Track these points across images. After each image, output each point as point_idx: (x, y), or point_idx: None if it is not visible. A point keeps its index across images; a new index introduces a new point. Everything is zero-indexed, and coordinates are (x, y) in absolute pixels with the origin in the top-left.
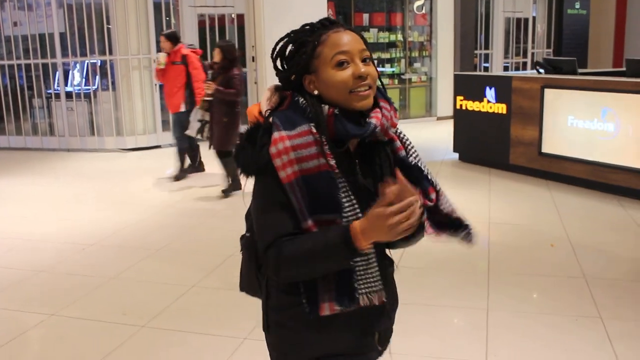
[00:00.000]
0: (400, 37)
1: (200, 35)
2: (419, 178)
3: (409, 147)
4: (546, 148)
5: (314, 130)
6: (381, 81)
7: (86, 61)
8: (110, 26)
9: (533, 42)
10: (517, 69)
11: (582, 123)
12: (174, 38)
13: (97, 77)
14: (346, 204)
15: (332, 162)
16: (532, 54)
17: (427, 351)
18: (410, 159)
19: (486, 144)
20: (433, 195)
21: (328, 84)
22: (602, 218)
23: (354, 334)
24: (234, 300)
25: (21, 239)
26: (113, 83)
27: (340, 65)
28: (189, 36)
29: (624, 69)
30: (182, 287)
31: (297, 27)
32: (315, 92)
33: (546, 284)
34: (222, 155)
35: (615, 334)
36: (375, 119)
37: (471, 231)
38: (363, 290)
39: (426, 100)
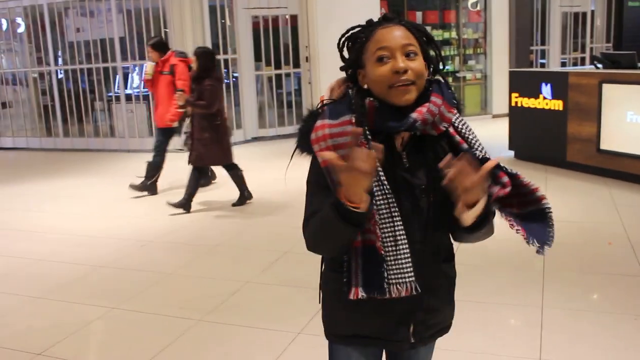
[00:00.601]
0: (454, 34)
1: (255, 37)
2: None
3: (473, 141)
4: (605, 145)
5: (354, 121)
6: (442, 75)
7: (145, 64)
8: (167, 30)
9: (592, 36)
10: (575, 64)
11: None
12: (162, 46)
13: None
14: (377, 194)
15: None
16: (591, 49)
17: (479, 348)
18: (477, 153)
19: (542, 141)
20: (505, 179)
21: (371, 79)
22: None
23: (385, 321)
24: (289, 296)
25: (85, 235)
26: None
27: (381, 60)
28: (243, 38)
29: None
30: (237, 282)
31: (349, 26)
32: (365, 86)
33: (603, 282)
34: (229, 168)
35: None
36: (417, 113)
37: (548, 231)
38: (392, 280)
39: (481, 98)
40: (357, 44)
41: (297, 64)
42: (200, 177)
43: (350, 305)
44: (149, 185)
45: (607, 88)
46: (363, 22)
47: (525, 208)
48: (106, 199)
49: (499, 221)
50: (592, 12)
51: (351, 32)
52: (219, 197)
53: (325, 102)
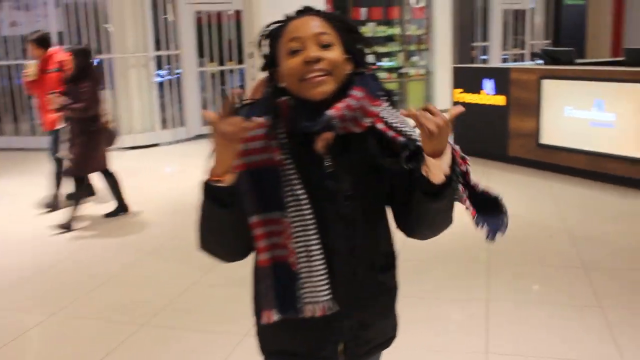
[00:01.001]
0: (398, 30)
1: (198, 33)
2: (417, 170)
3: (410, 133)
4: (544, 139)
5: (267, 123)
6: (367, 67)
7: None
8: (107, 25)
9: (531, 33)
10: (515, 60)
11: (579, 113)
12: (45, 42)
13: None
14: (290, 202)
15: (278, 157)
16: (531, 45)
17: (428, 344)
18: (419, 143)
19: (485, 136)
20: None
21: (284, 74)
22: (600, 208)
23: (309, 338)
24: (235, 297)
25: (20, 238)
26: (111, 81)
27: (293, 53)
28: (187, 34)
29: (622, 58)
30: (183, 284)
31: None
32: (283, 84)
33: (546, 274)
34: (106, 174)
35: (615, 323)
36: (334, 109)
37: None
38: (306, 300)
39: (425, 94)
40: (272, 41)
41: (241, 60)
42: (80, 189)
43: (276, 321)
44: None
45: (546, 84)
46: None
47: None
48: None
49: None
50: (532, 9)
51: (267, 28)
52: (157, 197)
53: (244, 103)
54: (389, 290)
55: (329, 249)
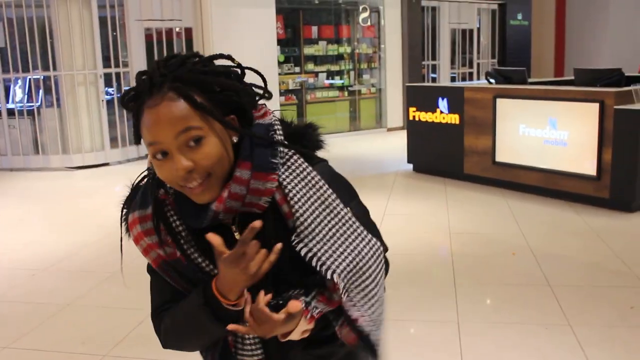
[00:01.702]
0: (348, 49)
1: (148, 50)
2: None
3: (297, 216)
4: (500, 157)
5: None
6: (249, 130)
7: (28, 77)
8: (53, 40)
9: (478, 52)
10: (463, 79)
11: (533, 131)
12: None
13: (41, 94)
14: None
15: (177, 252)
16: (478, 64)
17: None
18: (293, 238)
19: (440, 154)
20: (330, 282)
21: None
22: (558, 224)
23: None
24: None
25: None
26: (58, 99)
27: (156, 158)
28: (136, 51)
29: (571, 77)
30: (144, 311)
31: (245, 40)
32: None
33: (512, 292)
34: None
35: (585, 340)
36: (217, 202)
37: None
38: None
39: (376, 112)
40: (134, 118)
41: None
42: None
43: None
44: None
45: (500, 102)
46: (260, 38)
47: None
48: None
49: (402, 238)
50: (478, 29)
51: (124, 100)
52: (110, 220)
53: (141, 176)
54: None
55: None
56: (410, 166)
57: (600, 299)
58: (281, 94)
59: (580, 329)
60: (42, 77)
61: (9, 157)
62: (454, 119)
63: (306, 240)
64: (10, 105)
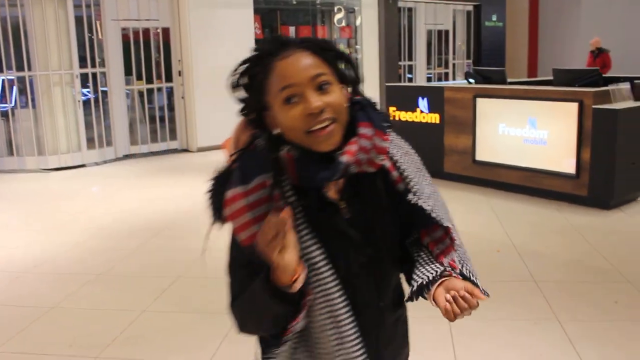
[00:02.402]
0: None
1: (125, 50)
2: (416, 218)
3: (409, 179)
4: (480, 156)
5: (269, 182)
6: (362, 94)
7: (2, 77)
8: (27, 40)
9: (454, 53)
10: (439, 79)
11: (513, 131)
12: None
13: (15, 94)
14: (307, 266)
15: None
16: (454, 64)
17: None
18: (409, 196)
19: (420, 154)
20: (439, 232)
21: (282, 124)
22: (540, 222)
23: None
24: (189, 323)
25: None
26: (33, 100)
27: (289, 101)
28: (113, 51)
29: (550, 78)
30: (132, 313)
31: (223, 40)
32: (277, 130)
33: (500, 289)
34: None
35: (574, 335)
36: (347, 154)
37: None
38: None
39: None
40: (254, 82)
41: (169, 78)
42: None
43: None
44: None
45: (480, 102)
46: (238, 38)
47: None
48: None
49: None
50: (454, 30)
51: (243, 67)
52: (90, 222)
53: (233, 157)
54: (405, 318)
55: (357, 304)
56: None
57: (585, 295)
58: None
59: (569, 324)
60: (16, 78)
61: None
62: (434, 118)
63: (423, 197)
64: None
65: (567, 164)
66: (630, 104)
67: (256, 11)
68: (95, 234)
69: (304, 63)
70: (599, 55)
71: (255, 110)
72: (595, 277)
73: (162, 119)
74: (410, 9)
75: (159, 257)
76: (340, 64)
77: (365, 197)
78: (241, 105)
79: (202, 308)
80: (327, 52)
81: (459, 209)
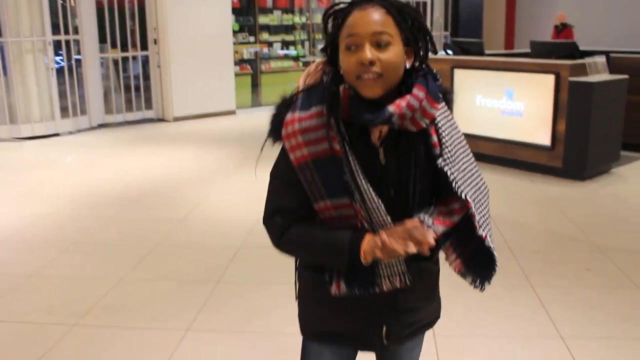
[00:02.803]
0: (303, 19)
1: (99, 17)
2: (443, 185)
3: (445, 146)
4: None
5: (325, 112)
6: (427, 64)
7: None
8: None
9: (431, 25)
10: None
11: (490, 102)
12: None
13: None
14: (354, 189)
15: (337, 146)
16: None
17: None
18: (439, 160)
19: None
20: (456, 205)
21: (342, 67)
22: (515, 192)
23: (355, 320)
24: (168, 291)
25: None
26: (4, 67)
27: (349, 48)
28: (86, 18)
29: (527, 50)
30: (110, 280)
31: (199, 8)
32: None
33: None
34: None
35: (546, 299)
36: (395, 106)
37: (488, 275)
38: (386, 273)
39: None
40: (335, 23)
41: (144, 47)
42: None
43: (321, 302)
44: None
45: (458, 73)
46: (214, 5)
47: (467, 245)
48: None
49: None
50: (432, 2)
51: (334, 8)
52: (65, 191)
53: (300, 89)
54: (434, 275)
55: None
56: None
57: (558, 263)
58: (236, 64)
59: (542, 289)
60: None
61: None
62: None
63: (450, 165)
64: None
65: (542, 136)
66: (606, 77)
67: None
68: (72, 203)
69: (373, 18)
70: (563, 30)
71: (329, 46)
72: (568, 246)
73: (137, 88)
74: None
75: (137, 226)
76: (415, 31)
77: (402, 150)
78: (325, 44)
79: (179, 277)
80: (403, 15)
81: None
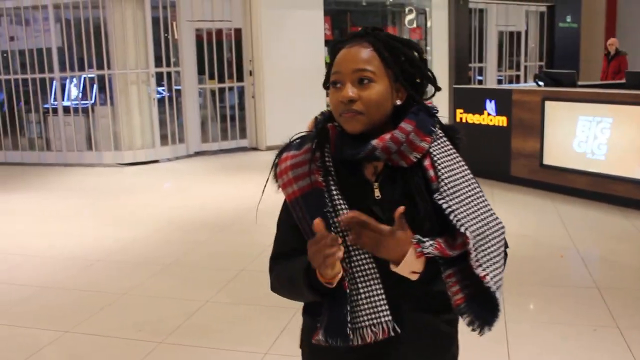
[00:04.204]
0: None
1: (198, 50)
2: (448, 223)
3: (442, 179)
4: (547, 160)
5: (313, 147)
6: (420, 100)
7: (83, 76)
8: (107, 40)
9: (526, 55)
10: (510, 81)
11: (582, 135)
12: None
13: (95, 92)
14: (337, 224)
15: (319, 178)
16: (525, 67)
17: None
18: (436, 194)
19: (487, 156)
20: (459, 240)
21: (329, 103)
22: (606, 228)
23: None
24: (250, 315)
25: (24, 254)
26: (111, 97)
27: (335, 85)
28: (187, 51)
29: (622, 81)
30: (196, 302)
31: (293, 41)
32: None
33: (560, 294)
34: None
35: (634, 343)
36: (379, 140)
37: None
38: (365, 322)
39: None
40: (331, 59)
41: (240, 78)
42: None
43: (316, 350)
44: None
45: (549, 105)
46: (308, 39)
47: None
48: (44, 216)
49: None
50: (526, 31)
51: (331, 44)
52: (159, 215)
53: (300, 134)
54: (443, 336)
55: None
56: None
57: None
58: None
59: (630, 332)
60: (96, 76)
61: (64, 153)
62: (502, 121)
63: (447, 199)
64: (66, 103)
65: (637, 170)
66: None
67: (326, 12)
68: (165, 227)
69: (357, 56)
70: (615, 57)
71: (326, 82)
72: None
73: (232, 118)
74: (481, 10)
75: (225, 250)
76: (405, 67)
77: (398, 185)
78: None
79: (262, 301)
80: (393, 50)
81: (524, 213)
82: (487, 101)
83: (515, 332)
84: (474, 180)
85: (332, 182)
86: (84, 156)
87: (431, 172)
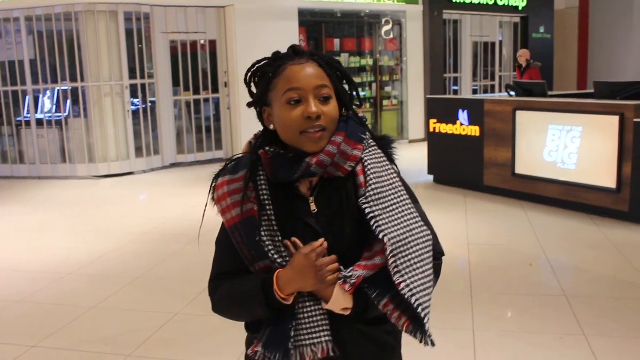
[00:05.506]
0: (370, 61)
1: (173, 62)
2: (370, 228)
3: (369, 184)
4: (519, 169)
5: (246, 175)
6: (353, 110)
7: (57, 88)
8: (81, 53)
9: (500, 65)
10: (485, 91)
11: (552, 144)
12: None
13: (69, 104)
14: (271, 249)
15: (253, 207)
16: (500, 77)
17: None
18: (361, 199)
19: (460, 166)
20: (378, 247)
21: (279, 122)
22: (577, 237)
23: None
24: (221, 327)
25: None
26: (85, 110)
27: (290, 103)
28: (161, 63)
29: (591, 91)
30: (166, 315)
31: (269, 52)
32: (272, 127)
33: (528, 303)
34: None
35: (599, 350)
36: (312, 156)
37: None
38: (305, 342)
39: (398, 124)
40: (264, 79)
41: (215, 89)
42: None
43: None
44: None
45: (520, 115)
46: (283, 50)
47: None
48: (17, 229)
49: None
50: (501, 42)
51: (257, 65)
52: (133, 227)
53: (235, 156)
54: (383, 347)
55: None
56: (431, 177)
57: (617, 311)
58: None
59: (596, 340)
60: (70, 88)
61: (38, 166)
62: (475, 130)
63: (372, 204)
64: (39, 116)
65: (607, 179)
66: None
67: (301, 23)
68: (137, 239)
69: (313, 72)
70: (527, 69)
71: (259, 103)
72: (629, 294)
73: (208, 129)
74: (456, 21)
75: (195, 263)
76: (342, 82)
77: (331, 196)
78: (250, 100)
79: None
80: (332, 69)
81: (496, 222)
82: (460, 111)
83: (482, 340)
84: (401, 189)
85: (268, 209)
86: (57, 169)
87: (361, 178)
